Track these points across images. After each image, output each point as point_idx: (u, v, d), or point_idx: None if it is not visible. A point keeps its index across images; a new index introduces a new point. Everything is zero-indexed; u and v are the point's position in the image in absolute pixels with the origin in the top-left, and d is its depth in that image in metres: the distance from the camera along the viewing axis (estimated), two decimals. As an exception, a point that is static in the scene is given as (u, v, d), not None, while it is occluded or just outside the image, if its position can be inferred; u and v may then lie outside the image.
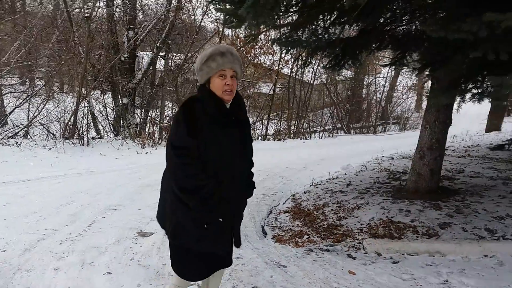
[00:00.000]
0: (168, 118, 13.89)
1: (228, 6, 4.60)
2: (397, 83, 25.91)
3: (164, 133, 12.63)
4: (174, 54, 15.46)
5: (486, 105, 10.85)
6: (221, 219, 2.06)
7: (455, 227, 4.16)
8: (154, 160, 9.00)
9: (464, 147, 9.85)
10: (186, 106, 2.00)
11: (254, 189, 2.39)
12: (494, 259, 3.61)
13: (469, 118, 20.37)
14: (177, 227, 2.05)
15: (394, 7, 4.83)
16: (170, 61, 15.08)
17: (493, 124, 15.22)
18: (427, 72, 4.62)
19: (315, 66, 18.48)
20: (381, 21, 5.68)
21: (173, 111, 14.85)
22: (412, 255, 3.77)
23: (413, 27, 5.53)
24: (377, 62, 20.96)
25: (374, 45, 6.11)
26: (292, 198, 6.15)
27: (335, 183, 6.59)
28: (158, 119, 14.02)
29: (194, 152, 1.95)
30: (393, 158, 8.61)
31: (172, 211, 2.08)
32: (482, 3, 2.95)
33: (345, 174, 7.46)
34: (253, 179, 2.36)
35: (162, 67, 15.63)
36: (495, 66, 3.11)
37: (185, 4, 13.60)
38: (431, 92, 4.29)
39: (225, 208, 2.05)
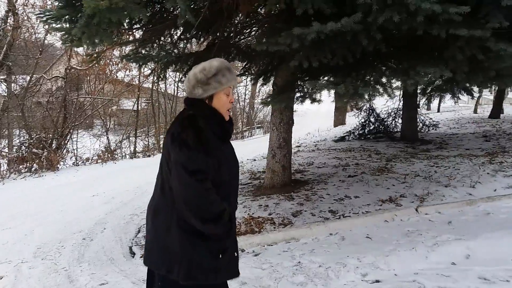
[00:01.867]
0: (16, 147, 12.40)
1: (64, 25, 4.43)
2: (257, 90, 27.67)
3: (16, 164, 11.25)
4: (18, 76, 13.91)
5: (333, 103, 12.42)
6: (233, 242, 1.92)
7: (305, 213, 4.72)
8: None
9: (314, 142, 11.07)
10: (193, 125, 1.77)
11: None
12: (338, 236, 4.18)
13: (322, 116, 22.92)
14: (192, 265, 1.79)
15: (230, 23, 5.24)
16: (13, 84, 13.52)
17: (339, 119, 17.46)
18: (261, 81, 5.15)
19: (176, 79, 18.62)
20: (225, 35, 6.10)
21: (21, 139, 13.30)
22: (271, 245, 4.13)
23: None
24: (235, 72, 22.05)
25: (223, 58, 6.51)
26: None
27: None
28: (5, 149, 12.42)
29: (211, 175, 1.76)
30: (255, 160, 9.23)
31: (183, 249, 1.79)
32: (293, 19, 3.47)
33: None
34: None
35: (4, 92, 13.93)
36: (311, 72, 3.69)
37: (24, 22, 12.38)
38: (271, 97, 4.81)
39: (235, 231, 1.96)
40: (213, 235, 1.77)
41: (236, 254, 1.93)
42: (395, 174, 5.84)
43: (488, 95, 24.17)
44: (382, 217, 4.32)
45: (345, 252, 3.64)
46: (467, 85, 7.72)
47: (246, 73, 7.18)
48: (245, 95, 25.94)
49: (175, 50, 6.05)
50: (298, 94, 4.33)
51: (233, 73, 1.89)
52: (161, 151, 2.00)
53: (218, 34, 5.73)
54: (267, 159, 5.82)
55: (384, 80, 4.15)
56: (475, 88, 13.16)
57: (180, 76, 6.83)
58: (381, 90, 3.89)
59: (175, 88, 19.86)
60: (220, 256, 1.82)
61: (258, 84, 18.37)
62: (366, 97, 4.07)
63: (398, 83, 4.16)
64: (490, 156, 6.51)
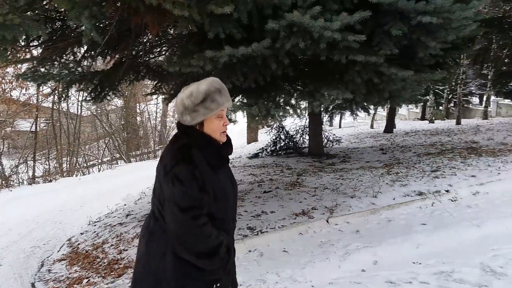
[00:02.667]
0: None
1: None
2: (169, 109, 27.22)
3: None
4: None
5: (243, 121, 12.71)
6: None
7: (223, 232, 4.71)
8: None
9: (230, 159, 11.17)
10: (187, 159, 1.64)
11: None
12: (256, 252, 4.25)
13: (236, 133, 23.23)
14: None
15: (139, 42, 5.14)
16: None
17: (251, 136, 17.91)
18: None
19: (80, 98, 17.51)
20: (134, 54, 5.95)
21: None
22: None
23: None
24: (145, 90, 21.53)
25: (132, 76, 6.34)
26: (68, 243, 5.67)
27: (114, 217, 6.44)
28: None
29: (206, 209, 1.67)
30: (170, 180, 9.00)
31: (176, 277, 1.69)
32: (204, 42, 3.53)
33: (125, 204, 7.37)
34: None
35: None
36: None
37: None
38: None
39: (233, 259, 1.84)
40: (213, 270, 1.71)
41: (231, 282, 1.87)
42: (306, 188, 6.15)
43: (382, 112, 26.78)
44: (296, 230, 4.50)
45: (265, 268, 3.72)
46: (365, 104, 8.49)
47: (157, 92, 7.05)
48: (156, 114, 25.30)
49: (79, 69, 5.72)
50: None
51: (224, 95, 1.74)
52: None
53: (126, 52, 5.56)
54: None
55: (293, 101, 4.41)
56: (372, 106, 14.54)
57: (85, 96, 6.46)
58: (291, 111, 4.12)
59: (79, 107, 18.62)
60: (214, 287, 1.75)
61: (166, 104, 18.22)
62: (278, 117, 4.26)
63: (306, 104, 4.44)
64: (387, 167, 7.20)
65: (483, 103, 20.86)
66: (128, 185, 10.18)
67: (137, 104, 24.01)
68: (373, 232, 4.28)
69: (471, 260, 3.30)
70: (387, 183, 5.90)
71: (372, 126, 19.94)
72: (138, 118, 24.46)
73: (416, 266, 3.31)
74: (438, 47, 4.74)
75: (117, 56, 5.54)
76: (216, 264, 1.69)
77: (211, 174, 1.69)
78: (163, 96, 7.29)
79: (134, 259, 4.43)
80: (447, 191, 5.23)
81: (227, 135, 1.84)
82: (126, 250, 4.73)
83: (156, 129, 24.95)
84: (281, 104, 4.05)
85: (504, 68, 21.21)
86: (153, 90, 7.11)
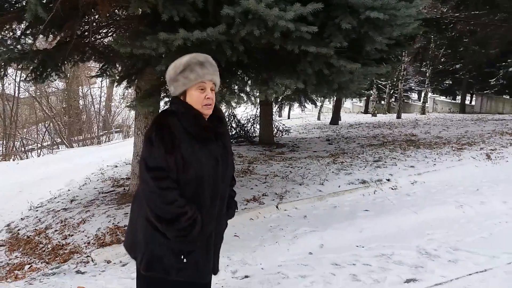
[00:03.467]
0: None
1: None
2: (114, 93, 26.18)
3: None
4: None
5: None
6: (200, 247, 1.82)
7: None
8: None
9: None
10: (160, 121, 1.73)
11: (236, 210, 2.21)
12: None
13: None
14: (153, 258, 1.76)
15: (86, 20, 4.90)
16: None
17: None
18: (124, 83, 4.96)
19: (17, 78, 16.36)
20: (79, 33, 5.64)
21: None
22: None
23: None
24: (89, 73, 20.53)
25: (76, 57, 6.02)
26: (6, 229, 5.37)
27: (58, 202, 6.15)
28: None
29: (172, 173, 1.68)
30: (117, 166, 8.73)
31: (145, 240, 1.77)
32: (157, 24, 3.45)
33: (69, 190, 7.05)
34: (235, 198, 2.17)
35: None
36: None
37: None
38: (136, 101, 4.65)
39: (206, 235, 1.83)
40: (171, 237, 1.72)
41: (205, 259, 1.86)
42: (257, 175, 6.25)
43: (328, 104, 27.67)
44: (247, 215, 4.58)
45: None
46: (314, 95, 8.72)
47: (104, 74, 6.77)
48: (100, 98, 24.22)
49: (18, 46, 5.34)
50: (166, 99, 4.30)
51: (207, 68, 1.76)
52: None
53: (71, 31, 5.26)
54: (132, 165, 5.59)
55: (247, 89, 4.44)
56: (319, 98, 14.95)
57: (24, 76, 6.05)
58: (245, 98, 4.15)
59: (16, 88, 17.39)
60: (182, 257, 1.76)
61: (115, 86, 17.49)
62: (233, 104, 4.28)
63: (259, 92, 4.49)
64: (333, 157, 7.49)
65: (422, 99, 22.22)
66: (71, 170, 9.73)
67: (80, 87, 22.82)
68: (320, 217, 4.47)
69: (409, 244, 3.56)
70: (333, 172, 6.15)
71: (319, 118, 20.55)
72: (81, 102, 23.29)
73: (359, 249, 3.51)
74: (384, 43, 4.98)
75: (61, 35, 5.22)
76: (173, 231, 1.69)
77: (188, 142, 1.71)
78: (110, 79, 7.00)
79: (80, 244, 4.29)
80: (388, 180, 5.56)
81: (220, 111, 1.93)
82: (72, 235, 4.56)
83: (100, 114, 23.89)
84: (236, 91, 4.06)
85: (441, 66, 22.73)
86: (99, 73, 6.80)
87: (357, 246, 3.56)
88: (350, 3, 4.54)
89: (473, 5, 12.83)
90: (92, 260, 3.91)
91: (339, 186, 5.39)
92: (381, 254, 3.35)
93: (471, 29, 15.08)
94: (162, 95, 4.52)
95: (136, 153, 5.45)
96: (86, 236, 4.48)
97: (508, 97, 21.50)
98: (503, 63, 20.05)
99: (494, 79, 21.22)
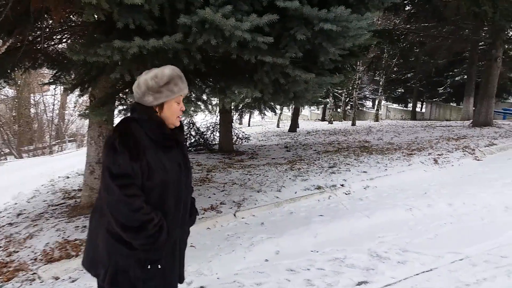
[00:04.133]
0: None
1: None
2: (68, 100, 25.19)
3: None
4: None
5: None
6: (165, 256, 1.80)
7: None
8: None
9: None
10: (123, 128, 1.73)
11: (198, 215, 2.20)
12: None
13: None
14: (117, 272, 1.72)
15: (39, 25, 4.74)
16: None
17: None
18: (77, 91, 4.83)
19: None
20: (31, 39, 5.44)
21: None
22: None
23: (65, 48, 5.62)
24: (42, 80, 19.67)
25: (28, 63, 5.79)
26: None
27: (3, 216, 5.82)
28: None
29: (138, 180, 1.68)
30: (68, 177, 8.40)
31: (108, 254, 1.73)
32: (112, 32, 3.40)
33: (16, 203, 6.69)
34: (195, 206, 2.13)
35: None
36: (132, 85, 3.66)
37: None
38: (89, 109, 4.52)
39: (171, 242, 1.82)
40: (138, 246, 1.69)
41: (172, 267, 1.85)
42: (215, 183, 6.24)
43: (287, 112, 28.14)
44: (204, 225, 4.56)
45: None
46: (272, 103, 8.85)
47: (56, 82, 6.54)
48: (53, 106, 23.22)
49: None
50: (120, 107, 4.22)
51: (184, 82, 1.85)
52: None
53: (22, 37, 5.06)
54: (84, 175, 5.40)
55: (204, 97, 4.45)
56: (278, 106, 15.17)
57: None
58: (202, 106, 4.16)
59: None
60: (149, 267, 1.74)
61: (70, 94, 16.85)
62: (191, 112, 4.28)
63: (217, 100, 4.52)
64: (290, 163, 7.62)
65: (375, 106, 23.10)
66: (20, 183, 9.25)
67: (32, 95, 21.78)
68: (276, 223, 4.53)
69: (361, 247, 3.70)
70: (290, 178, 6.27)
71: (278, 125, 20.86)
72: (32, 110, 22.21)
73: (314, 254, 3.60)
74: (337, 53, 5.18)
75: (11, 40, 5.01)
76: (141, 240, 1.67)
77: (152, 149, 1.73)
78: (64, 87, 6.77)
79: (26, 261, 4.09)
80: (342, 185, 5.74)
81: (180, 121, 1.95)
82: (17, 252, 4.33)
83: (53, 122, 22.88)
84: (193, 99, 4.06)
85: (394, 75, 23.82)
86: (52, 80, 6.56)
87: (312, 251, 3.65)
88: (305, 15, 4.69)
89: (423, 17, 13.62)
90: (38, 277, 3.73)
91: (296, 192, 5.50)
92: (334, 258, 3.46)
93: (421, 41, 15.96)
94: (116, 104, 4.43)
95: (89, 164, 5.29)
96: (33, 252, 4.27)
97: (455, 104, 22.82)
98: (450, 73, 21.34)
99: (442, 88, 22.49)
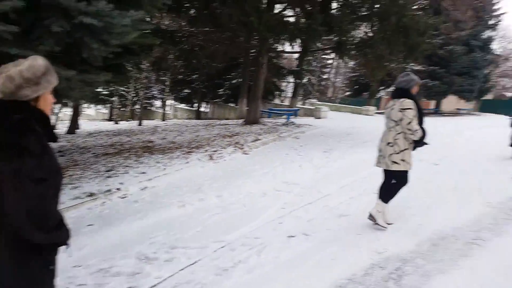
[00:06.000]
0: None
1: None
2: None
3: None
4: None
5: None
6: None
7: None
8: None
9: None
10: (32, 130, 1.57)
11: None
12: None
13: None
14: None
15: None
16: None
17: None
18: None
19: None
20: None
21: None
22: None
23: None
24: None
25: None
26: None
27: None
28: None
29: (53, 180, 1.65)
30: None
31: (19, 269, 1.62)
32: None
33: None
34: None
35: None
36: None
37: None
38: None
39: None
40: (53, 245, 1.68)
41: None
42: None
43: (70, 112, 25.52)
44: None
45: None
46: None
47: None
48: None
49: None
50: None
51: (55, 72, 1.75)
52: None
53: None
54: None
55: None
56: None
57: None
58: None
59: None
60: (50, 267, 1.74)
61: None
62: None
63: None
64: (62, 170, 6.84)
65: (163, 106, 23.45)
66: None
67: None
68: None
69: (131, 252, 3.57)
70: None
71: (55, 127, 18.62)
72: None
73: (76, 269, 3.26)
74: (107, 50, 4.89)
75: None
76: (63, 236, 1.70)
77: (50, 147, 1.66)
78: None
79: None
80: (118, 189, 5.49)
81: None
82: None
83: None
84: None
85: (180, 76, 24.62)
86: None
87: (74, 267, 3.30)
88: (62, 5, 4.26)
89: (202, 22, 14.45)
90: None
91: (63, 203, 4.94)
92: (99, 270, 3.22)
93: (201, 44, 16.93)
94: None
95: None
96: None
97: (233, 104, 25.33)
98: (228, 76, 23.53)
99: (222, 89, 24.60)
